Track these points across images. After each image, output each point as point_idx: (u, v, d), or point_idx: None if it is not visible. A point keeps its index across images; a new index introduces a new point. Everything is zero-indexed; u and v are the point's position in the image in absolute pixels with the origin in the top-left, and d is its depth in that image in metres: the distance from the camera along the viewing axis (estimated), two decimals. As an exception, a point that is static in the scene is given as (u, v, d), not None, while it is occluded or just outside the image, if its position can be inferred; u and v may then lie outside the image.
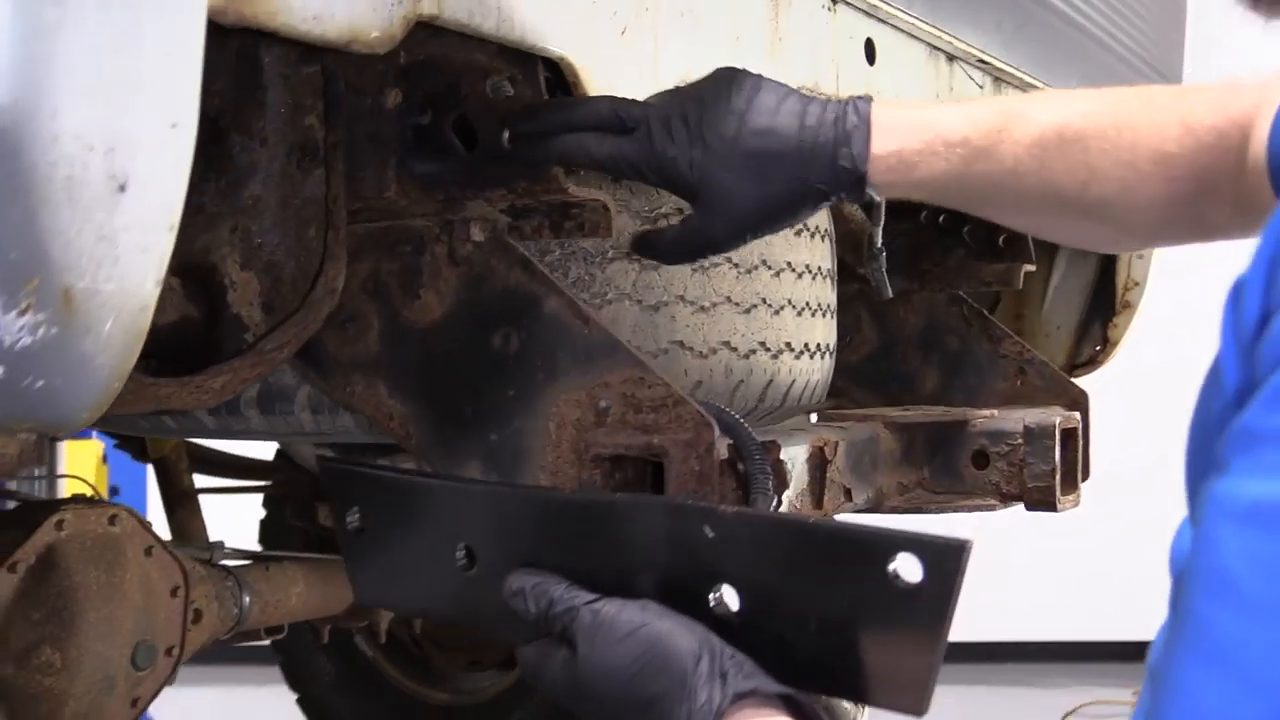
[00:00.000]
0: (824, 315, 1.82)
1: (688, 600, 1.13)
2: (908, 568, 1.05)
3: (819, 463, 1.49)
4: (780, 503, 1.33)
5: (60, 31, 0.81)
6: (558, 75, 1.29)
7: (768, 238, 1.60)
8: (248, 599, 2.33)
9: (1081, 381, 2.02)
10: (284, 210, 1.35)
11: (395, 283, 1.41)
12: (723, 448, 1.31)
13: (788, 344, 1.74)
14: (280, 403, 1.58)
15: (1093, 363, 2.69)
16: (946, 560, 1.03)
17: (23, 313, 0.85)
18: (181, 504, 2.90)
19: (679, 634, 1.09)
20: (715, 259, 1.67)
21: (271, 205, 1.36)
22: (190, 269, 1.34)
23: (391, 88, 1.32)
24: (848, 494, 1.54)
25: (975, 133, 1.20)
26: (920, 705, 1.06)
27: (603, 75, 1.30)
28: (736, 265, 1.68)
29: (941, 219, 2.16)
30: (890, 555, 1.06)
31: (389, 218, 1.37)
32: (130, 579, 2.07)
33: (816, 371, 1.81)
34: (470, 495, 1.24)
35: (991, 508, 1.65)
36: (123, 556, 2.06)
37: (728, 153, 1.23)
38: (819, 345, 1.81)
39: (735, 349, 1.68)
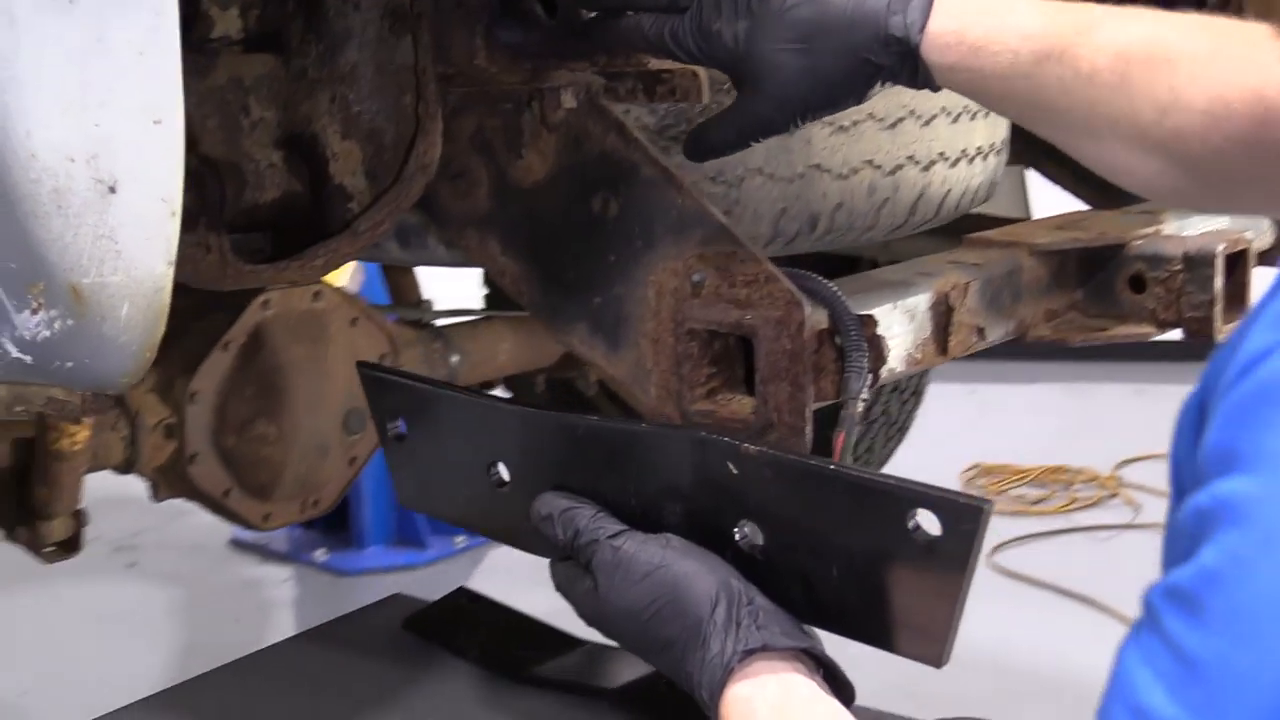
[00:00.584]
0: (986, 115, 1.72)
1: (714, 533, 1.13)
2: (928, 521, 1.03)
3: (943, 310, 1.44)
4: (876, 378, 1.30)
5: (18, 56, 0.82)
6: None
7: None
8: (456, 358, 2.41)
9: None
10: (380, 77, 1.35)
11: (500, 140, 1.40)
12: (820, 321, 1.28)
13: (940, 154, 1.66)
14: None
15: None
16: (965, 519, 1.01)
17: (34, 311, 0.90)
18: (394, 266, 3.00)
19: (698, 577, 1.08)
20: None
21: (368, 72, 1.35)
22: (292, 140, 1.36)
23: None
24: (980, 333, 1.49)
25: (1053, 28, 1.07)
26: (940, 657, 1.05)
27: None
28: (881, 80, 1.59)
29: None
30: (910, 509, 1.03)
31: (479, 84, 1.35)
32: (336, 351, 2.19)
33: (978, 175, 1.72)
34: (502, 414, 1.26)
35: (1147, 335, 1.57)
36: (327, 331, 2.17)
37: (774, 24, 1.13)
38: (979, 148, 1.71)
39: (879, 167, 1.61)
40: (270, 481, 2.14)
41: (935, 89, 1.15)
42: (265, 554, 3.85)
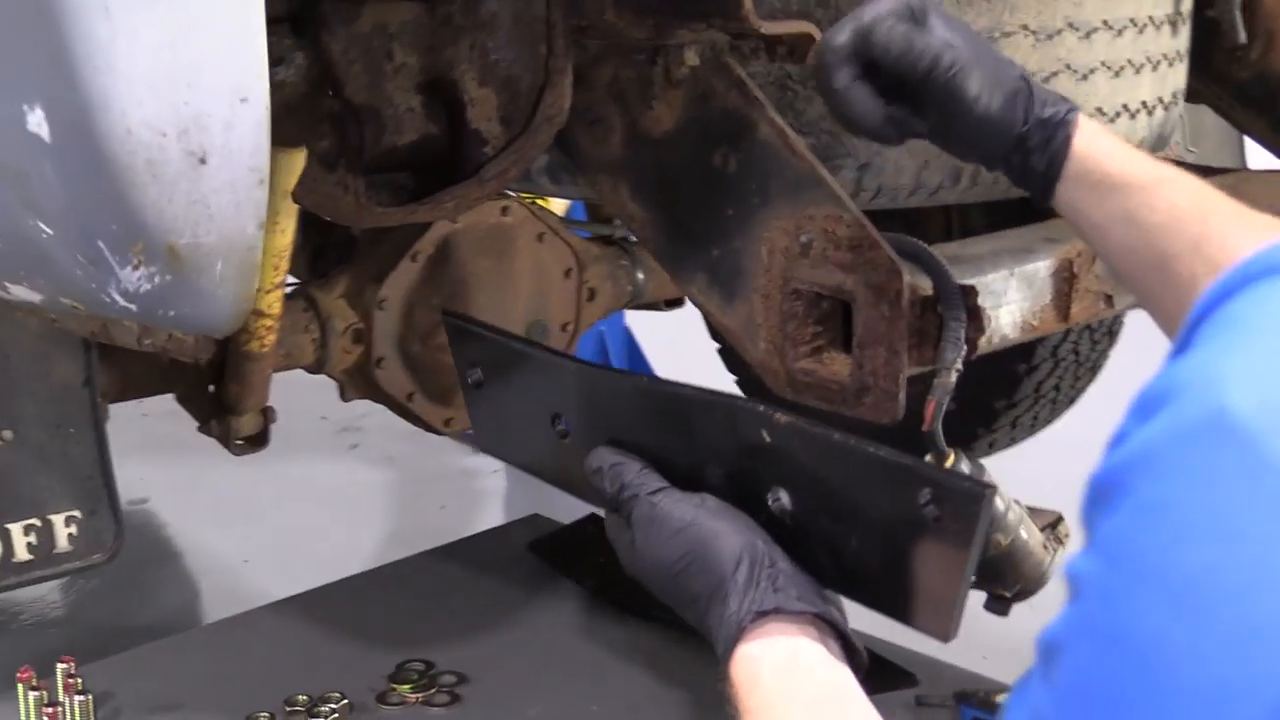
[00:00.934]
0: (1154, 68, 1.67)
1: (749, 496, 1.17)
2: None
3: (1066, 276, 1.42)
4: (975, 348, 1.30)
5: (114, 43, 0.90)
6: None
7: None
8: (642, 276, 2.47)
9: None
10: (517, 26, 1.41)
11: (633, 89, 1.44)
12: (924, 287, 1.30)
13: (1098, 109, 1.63)
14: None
15: None
16: (966, 504, 1.02)
17: (136, 267, 0.99)
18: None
19: (726, 537, 1.12)
20: (1010, 27, 1.57)
21: (506, 21, 1.41)
22: (432, 85, 1.42)
23: (604, -95, 1.31)
24: (1108, 300, 1.47)
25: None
26: (946, 632, 1.07)
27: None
28: (1034, 33, 1.57)
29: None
30: (920, 487, 1.06)
31: (609, 38, 1.39)
32: (521, 265, 2.27)
33: (1141, 130, 1.68)
34: (564, 370, 1.31)
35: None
36: (514, 245, 2.26)
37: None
38: (1144, 103, 1.67)
39: (1032, 121, 1.59)
40: (452, 387, 2.24)
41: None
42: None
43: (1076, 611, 0.58)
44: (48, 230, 1.00)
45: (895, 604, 1.11)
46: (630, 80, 1.44)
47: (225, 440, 2.08)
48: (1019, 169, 1.23)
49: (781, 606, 1.07)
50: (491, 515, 3.50)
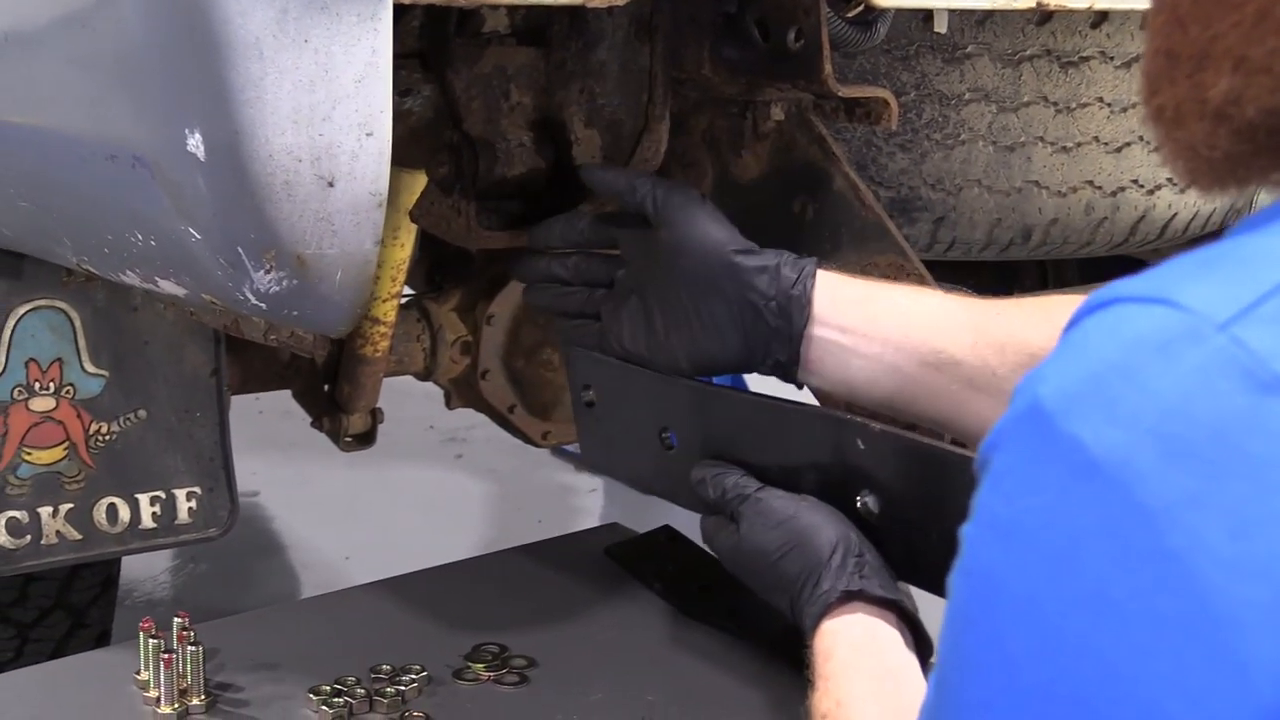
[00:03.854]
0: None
1: (840, 499, 1.29)
2: None
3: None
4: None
5: (264, 81, 1.05)
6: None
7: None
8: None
9: None
10: (624, 75, 1.54)
11: (725, 138, 1.57)
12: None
13: (1169, 179, 1.73)
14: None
15: None
16: None
17: (268, 271, 1.14)
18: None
19: (824, 528, 1.26)
20: (1086, 99, 1.68)
21: (614, 70, 1.55)
22: (543, 123, 1.57)
23: (711, -26, 1.45)
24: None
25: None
26: None
27: (883, -21, 1.36)
28: (1109, 105, 1.68)
29: None
30: None
31: (705, 92, 1.52)
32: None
33: (1213, 200, 1.78)
34: (674, 388, 1.43)
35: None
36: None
37: None
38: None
39: (1099, 187, 1.70)
40: (551, 403, 2.36)
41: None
42: (580, 462, 4.16)
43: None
44: (196, 235, 1.15)
45: None
46: (723, 130, 1.57)
47: (335, 437, 2.23)
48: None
49: (866, 590, 1.20)
50: (585, 527, 3.62)
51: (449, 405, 2.40)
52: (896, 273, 1.42)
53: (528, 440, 2.42)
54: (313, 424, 2.23)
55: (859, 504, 1.29)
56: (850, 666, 1.16)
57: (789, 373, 1.35)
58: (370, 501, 3.73)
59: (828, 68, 1.36)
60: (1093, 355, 0.64)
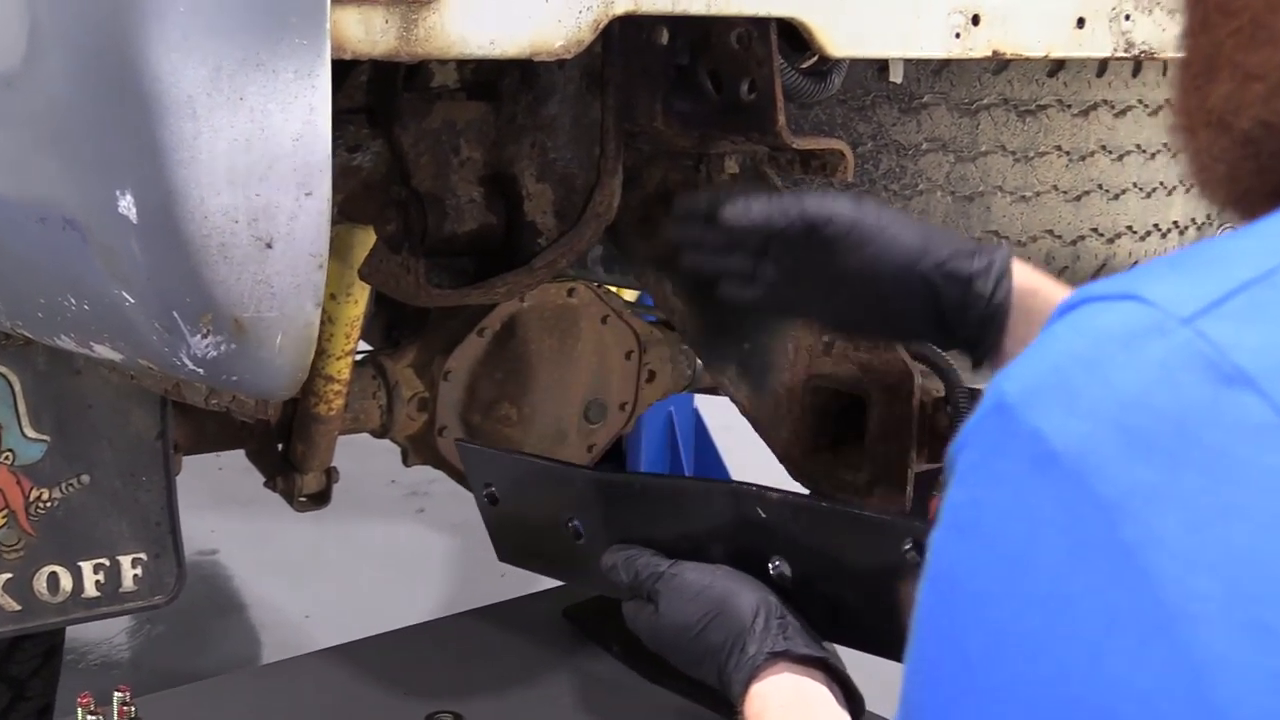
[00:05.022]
0: (1186, 189, 1.75)
1: (752, 566, 1.27)
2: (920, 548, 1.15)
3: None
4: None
5: (199, 139, 1.02)
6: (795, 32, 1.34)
7: (1112, 123, 1.59)
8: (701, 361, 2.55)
9: None
10: (575, 129, 1.52)
11: (679, 192, 1.54)
12: (936, 389, 1.39)
13: (1128, 227, 1.71)
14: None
15: None
16: None
17: (204, 336, 1.10)
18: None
19: (742, 594, 1.23)
20: (1044, 147, 1.66)
21: (565, 124, 1.52)
22: (494, 178, 1.54)
23: (663, 26, 1.42)
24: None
25: None
26: None
27: (839, 32, 1.34)
28: (1067, 154, 1.66)
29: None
30: (903, 539, 1.17)
31: (657, 145, 1.49)
32: (584, 345, 2.37)
33: (1172, 248, 1.76)
34: (574, 477, 1.41)
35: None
36: (577, 325, 2.36)
37: None
38: (1175, 223, 1.75)
39: (1059, 236, 1.68)
40: (509, 457, 2.33)
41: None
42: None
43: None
44: (130, 299, 1.12)
45: (892, 645, 1.20)
46: (677, 183, 1.54)
47: (289, 497, 2.19)
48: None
49: (790, 649, 1.18)
50: (546, 584, 3.57)
51: (406, 462, 2.36)
52: (855, 327, 1.39)
53: (486, 497, 2.39)
54: (266, 484, 2.20)
55: (771, 570, 1.27)
56: None
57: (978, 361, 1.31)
58: (332, 558, 3.68)
59: (781, 119, 1.34)
60: (1058, 350, 0.63)
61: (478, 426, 2.33)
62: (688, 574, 1.26)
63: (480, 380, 2.31)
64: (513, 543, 1.54)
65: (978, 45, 1.43)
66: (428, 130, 1.50)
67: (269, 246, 1.07)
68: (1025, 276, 1.26)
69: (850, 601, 1.23)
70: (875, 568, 1.21)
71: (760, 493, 1.26)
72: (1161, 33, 1.54)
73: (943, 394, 1.38)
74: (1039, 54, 1.47)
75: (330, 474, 2.20)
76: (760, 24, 1.34)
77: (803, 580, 1.25)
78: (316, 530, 3.70)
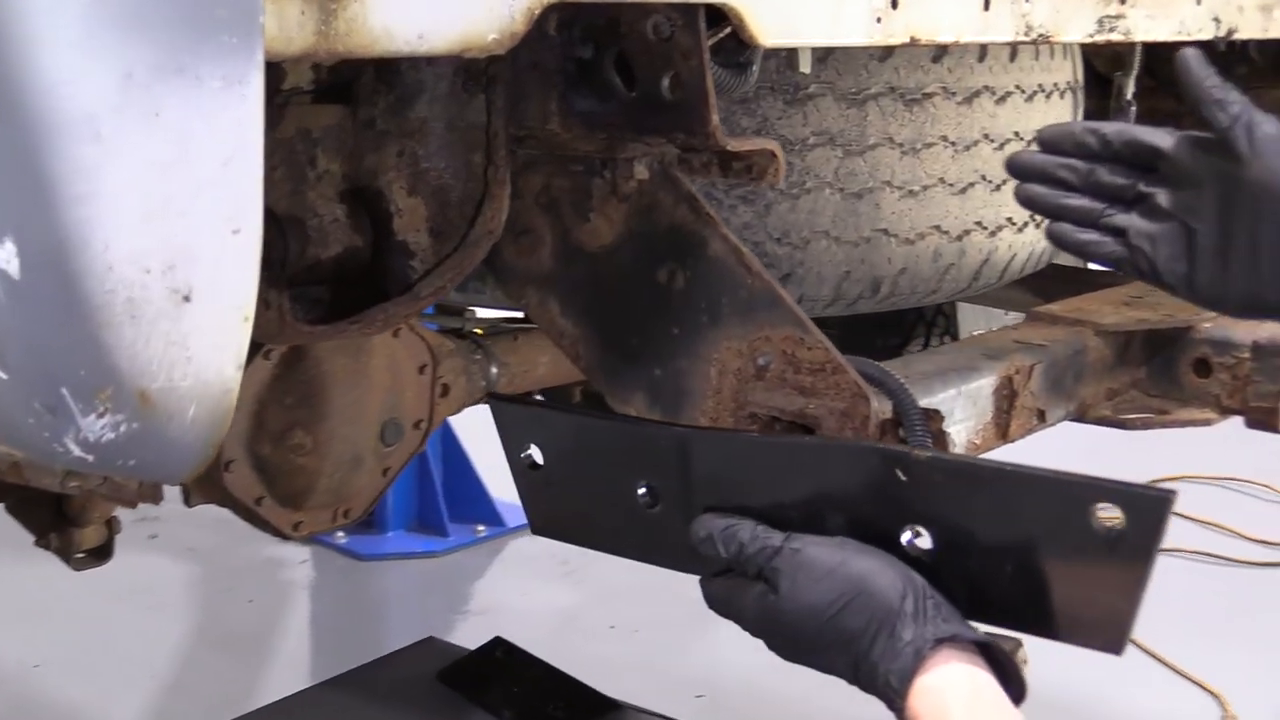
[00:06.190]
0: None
1: (878, 538, 1.13)
2: (1109, 514, 1.03)
3: (1006, 394, 1.41)
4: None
5: (102, 170, 0.79)
6: (720, 19, 1.19)
7: (993, 110, 1.50)
8: (495, 370, 2.38)
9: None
10: (450, 134, 1.32)
11: (567, 201, 1.37)
12: (885, 411, 1.26)
13: (1009, 219, 1.63)
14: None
15: None
16: (1151, 511, 1.01)
17: (100, 415, 0.88)
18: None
19: (881, 572, 1.09)
20: (930, 138, 1.57)
21: (438, 128, 1.32)
22: (357, 193, 1.33)
23: (553, 14, 1.24)
24: (1040, 415, 1.46)
25: None
26: (1120, 645, 1.06)
27: (769, 18, 1.19)
28: (953, 144, 1.56)
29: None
30: (1091, 503, 1.04)
31: (552, 149, 1.32)
32: (377, 363, 2.16)
33: (1043, 240, 1.69)
34: (654, 437, 1.23)
35: (1209, 421, 1.54)
36: (369, 341, 2.14)
37: None
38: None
39: (946, 232, 1.58)
40: (303, 490, 2.12)
41: None
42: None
43: None
44: (2, 375, 0.87)
45: (1056, 624, 1.09)
46: (563, 190, 1.37)
47: (65, 554, 1.92)
48: None
49: (959, 634, 1.06)
50: (300, 608, 3.34)
51: (189, 503, 2.10)
52: (795, 346, 1.25)
53: (277, 533, 2.15)
54: (37, 543, 1.92)
55: (905, 542, 1.13)
56: None
57: None
58: (59, 598, 3.33)
59: (714, 119, 1.19)
60: None
61: (267, 458, 2.10)
62: (811, 549, 1.11)
63: (269, 407, 2.07)
64: (557, 512, 1.33)
65: (896, 31, 1.31)
66: (280, 140, 1.28)
67: (186, 300, 0.86)
68: None
69: (1004, 577, 1.09)
70: (1047, 537, 1.07)
71: (906, 452, 1.12)
72: (1056, 15, 1.45)
73: (892, 415, 1.26)
74: (951, 39, 1.37)
75: (111, 524, 1.94)
76: (686, 11, 1.18)
77: (944, 554, 1.11)
78: (38, 570, 3.36)
